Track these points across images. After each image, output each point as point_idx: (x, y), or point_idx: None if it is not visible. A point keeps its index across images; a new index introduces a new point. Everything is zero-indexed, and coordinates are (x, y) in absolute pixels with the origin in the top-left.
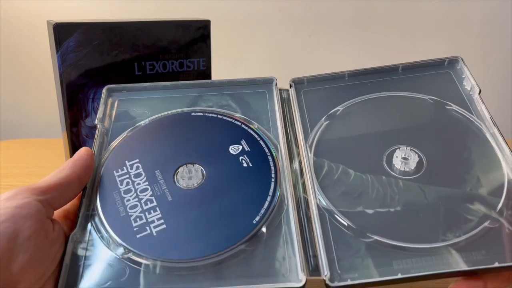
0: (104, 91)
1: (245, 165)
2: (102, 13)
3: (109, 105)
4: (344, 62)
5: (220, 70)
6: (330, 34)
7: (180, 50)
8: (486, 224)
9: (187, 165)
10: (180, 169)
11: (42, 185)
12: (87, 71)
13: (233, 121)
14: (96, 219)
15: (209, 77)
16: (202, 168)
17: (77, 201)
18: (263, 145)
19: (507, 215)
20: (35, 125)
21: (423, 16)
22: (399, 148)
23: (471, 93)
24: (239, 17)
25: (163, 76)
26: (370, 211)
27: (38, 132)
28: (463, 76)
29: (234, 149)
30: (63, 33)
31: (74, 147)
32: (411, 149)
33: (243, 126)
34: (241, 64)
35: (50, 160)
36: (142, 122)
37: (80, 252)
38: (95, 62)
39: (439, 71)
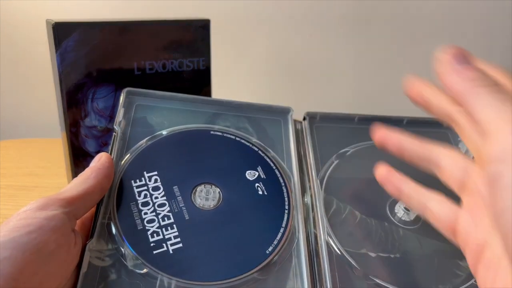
0: (123, 93)
1: (260, 192)
2: (101, 13)
3: (127, 109)
4: (344, 62)
5: (220, 70)
6: (330, 34)
7: (180, 49)
8: (473, 281)
9: (205, 185)
10: (198, 188)
11: (68, 195)
12: (86, 71)
13: (251, 145)
14: (113, 229)
15: (209, 77)
16: (220, 190)
17: (93, 208)
18: (278, 175)
19: None
20: (35, 125)
21: (423, 16)
22: None
23: None
24: (239, 17)
25: (162, 76)
26: (373, 255)
27: (38, 132)
28: (459, 139)
29: (250, 175)
30: (62, 32)
31: (73, 147)
32: None
33: (259, 152)
34: (241, 64)
35: (50, 160)
36: (161, 133)
37: (96, 262)
38: (94, 62)
39: (438, 130)
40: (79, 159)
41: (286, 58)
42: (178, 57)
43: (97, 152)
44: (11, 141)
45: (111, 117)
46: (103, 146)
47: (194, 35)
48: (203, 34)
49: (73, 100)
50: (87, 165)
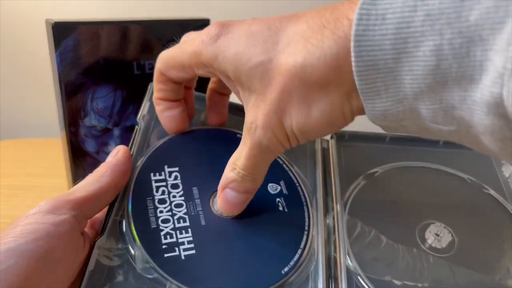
0: (150, 86)
1: (281, 208)
2: (101, 12)
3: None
4: None
5: None
6: None
7: None
8: None
9: None
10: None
11: (79, 196)
12: (86, 70)
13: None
14: (125, 226)
15: (208, 77)
16: None
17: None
18: (301, 192)
19: None
20: (35, 125)
21: None
22: (434, 223)
23: (508, 180)
24: (239, 17)
25: None
26: (398, 283)
27: (38, 132)
28: (502, 162)
29: (272, 188)
30: (61, 32)
31: (73, 147)
32: (444, 227)
33: (284, 165)
34: None
35: (50, 160)
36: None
37: (104, 260)
38: (94, 61)
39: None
40: (78, 159)
41: None
42: None
43: (97, 152)
44: (11, 141)
45: (111, 117)
46: (102, 146)
47: None
48: None
49: (73, 99)
50: (87, 165)
